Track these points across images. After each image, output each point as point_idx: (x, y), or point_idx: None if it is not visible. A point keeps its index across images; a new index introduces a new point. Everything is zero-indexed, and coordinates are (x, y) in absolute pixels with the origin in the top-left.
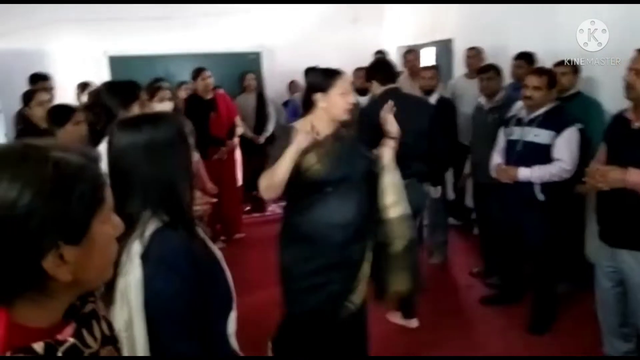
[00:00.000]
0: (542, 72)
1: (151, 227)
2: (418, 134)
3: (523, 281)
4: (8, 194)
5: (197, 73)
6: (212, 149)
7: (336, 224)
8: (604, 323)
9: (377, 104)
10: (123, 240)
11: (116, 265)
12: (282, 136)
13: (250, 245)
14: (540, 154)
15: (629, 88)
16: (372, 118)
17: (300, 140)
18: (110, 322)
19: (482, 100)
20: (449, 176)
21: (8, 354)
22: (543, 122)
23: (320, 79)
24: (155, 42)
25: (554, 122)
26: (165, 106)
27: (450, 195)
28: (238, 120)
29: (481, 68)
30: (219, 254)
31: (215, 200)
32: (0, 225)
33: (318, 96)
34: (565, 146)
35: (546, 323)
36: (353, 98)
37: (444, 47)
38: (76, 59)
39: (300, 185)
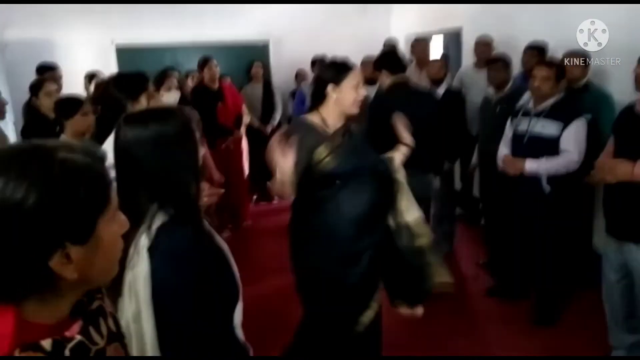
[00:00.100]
0: (550, 63)
1: (158, 220)
2: (423, 125)
3: (529, 273)
4: (15, 194)
5: (204, 63)
6: (219, 139)
7: (347, 217)
8: (610, 315)
9: (386, 95)
10: (130, 234)
11: (124, 258)
12: (297, 130)
13: (257, 234)
14: (548, 146)
15: (638, 81)
16: (381, 110)
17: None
18: (117, 318)
19: (491, 91)
20: (457, 166)
21: (17, 350)
22: (551, 114)
23: (333, 71)
24: (163, 32)
25: (562, 113)
26: (173, 95)
27: (458, 185)
28: (245, 110)
29: (490, 59)
30: (225, 247)
31: (222, 191)
32: (7, 225)
33: (330, 88)
34: (573, 138)
35: (551, 315)
36: (363, 92)
37: (453, 36)
38: (84, 49)
39: (310, 179)
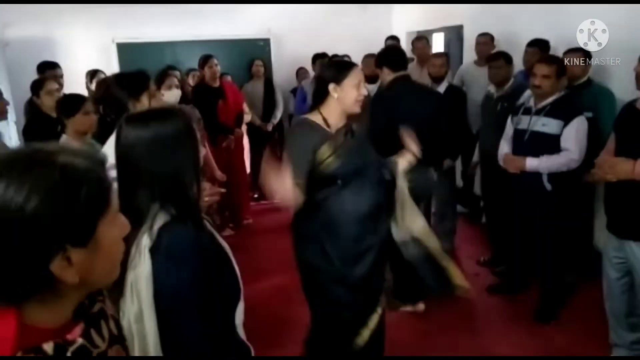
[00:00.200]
0: (551, 60)
1: (160, 220)
2: (425, 122)
3: (529, 270)
4: (16, 198)
5: (205, 61)
6: (220, 136)
7: (350, 217)
8: (611, 313)
9: (387, 91)
10: (132, 234)
11: (125, 258)
12: (297, 131)
13: (259, 232)
14: (549, 144)
15: (639, 79)
16: (382, 105)
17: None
18: (118, 320)
19: (492, 88)
20: (458, 164)
21: (19, 354)
22: (551, 111)
23: (334, 70)
24: (164, 30)
25: (563, 111)
26: (173, 93)
27: (459, 182)
28: (246, 107)
29: (490, 56)
30: (226, 247)
31: (224, 190)
32: (8, 229)
33: (332, 87)
34: (573, 136)
35: (553, 312)
36: (364, 90)
37: (454, 33)
38: (85, 47)
39: (313, 179)
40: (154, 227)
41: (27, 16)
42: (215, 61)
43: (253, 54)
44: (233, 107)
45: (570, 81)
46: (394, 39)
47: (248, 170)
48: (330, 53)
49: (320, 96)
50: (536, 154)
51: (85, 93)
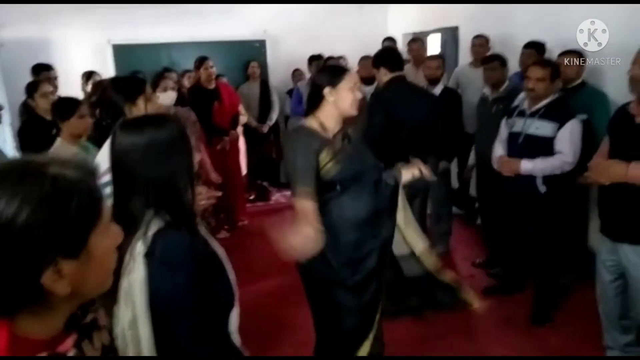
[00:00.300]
0: (545, 63)
1: (154, 226)
2: (421, 123)
3: (525, 272)
4: (6, 210)
5: (200, 63)
6: (215, 138)
7: (349, 222)
8: (604, 315)
9: (384, 91)
10: (126, 241)
11: (119, 265)
12: (296, 137)
13: (254, 234)
14: (543, 146)
15: (633, 82)
16: (380, 105)
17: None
18: (111, 330)
19: (487, 90)
20: (454, 166)
21: None
22: (546, 114)
23: (329, 74)
24: (160, 31)
25: (557, 114)
26: (169, 96)
27: (455, 184)
28: (242, 109)
29: (485, 58)
30: (220, 252)
31: (220, 193)
32: None
33: (327, 90)
34: (567, 139)
35: (548, 314)
36: (359, 94)
37: (450, 35)
38: (80, 48)
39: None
40: (148, 233)
41: (23, 17)
42: (211, 63)
43: (249, 56)
44: (229, 108)
45: (564, 83)
46: (390, 40)
47: (244, 171)
48: (326, 54)
49: (316, 101)
50: (530, 156)
51: (80, 95)
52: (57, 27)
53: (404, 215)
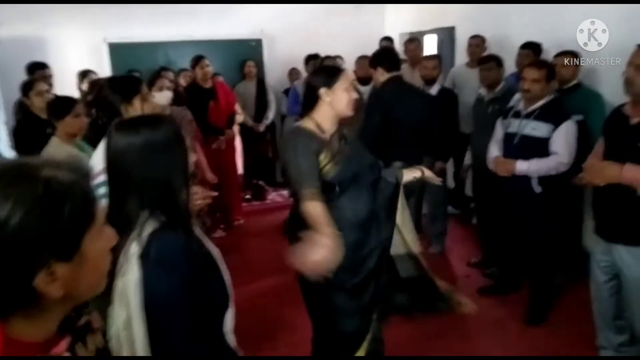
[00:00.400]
0: (541, 64)
1: (149, 227)
2: (417, 123)
3: (520, 272)
4: None
5: (196, 61)
6: (210, 137)
7: (349, 223)
8: (598, 316)
9: (381, 90)
10: (120, 242)
11: (114, 266)
12: (295, 139)
13: (250, 233)
14: (538, 147)
15: (628, 83)
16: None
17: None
18: (105, 333)
19: (483, 91)
20: (450, 165)
21: None
22: (541, 115)
23: (324, 75)
24: (155, 29)
25: (552, 115)
26: (165, 95)
27: (451, 184)
28: (238, 108)
29: (481, 58)
30: (215, 253)
31: (215, 193)
32: None
33: (323, 91)
34: (562, 139)
35: (543, 314)
36: (355, 94)
37: (447, 35)
38: (76, 47)
39: None
40: (142, 234)
41: (18, 15)
42: (207, 62)
43: (245, 55)
44: (225, 107)
45: (559, 84)
46: (388, 40)
47: (240, 171)
48: (322, 54)
49: (311, 102)
50: (526, 157)
51: (76, 93)
52: (52, 25)
53: (402, 216)
